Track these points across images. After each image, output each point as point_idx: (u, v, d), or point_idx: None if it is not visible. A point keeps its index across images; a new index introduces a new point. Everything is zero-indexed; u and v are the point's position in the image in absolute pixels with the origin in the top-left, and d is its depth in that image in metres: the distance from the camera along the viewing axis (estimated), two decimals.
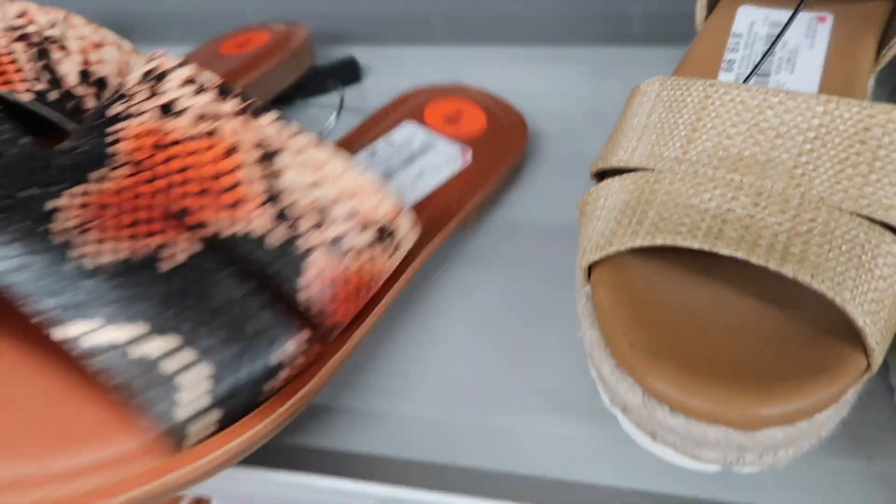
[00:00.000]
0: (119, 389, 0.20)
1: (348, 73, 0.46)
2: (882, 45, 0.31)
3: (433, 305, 0.31)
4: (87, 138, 0.24)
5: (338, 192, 0.24)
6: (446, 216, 0.31)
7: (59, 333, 0.20)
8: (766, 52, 0.29)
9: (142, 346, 0.20)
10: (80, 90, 0.31)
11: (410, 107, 0.39)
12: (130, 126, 0.23)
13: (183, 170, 0.22)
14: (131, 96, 0.25)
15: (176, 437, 0.20)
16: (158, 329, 0.20)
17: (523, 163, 0.38)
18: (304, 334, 0.23)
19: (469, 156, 0.34)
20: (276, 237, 0.22)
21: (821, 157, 0.23)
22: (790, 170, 0.23)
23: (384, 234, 0.25)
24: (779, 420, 0.20)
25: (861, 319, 0.20)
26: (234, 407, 0.21)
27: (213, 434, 0.21)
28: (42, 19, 0.31)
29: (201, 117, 0.23)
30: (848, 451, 0.24)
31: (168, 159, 0.22)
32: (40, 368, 0.23)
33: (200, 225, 0.22)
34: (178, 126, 0.23)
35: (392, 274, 0.27)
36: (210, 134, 0.23)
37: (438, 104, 0.39)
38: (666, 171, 0.25)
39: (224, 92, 0.24)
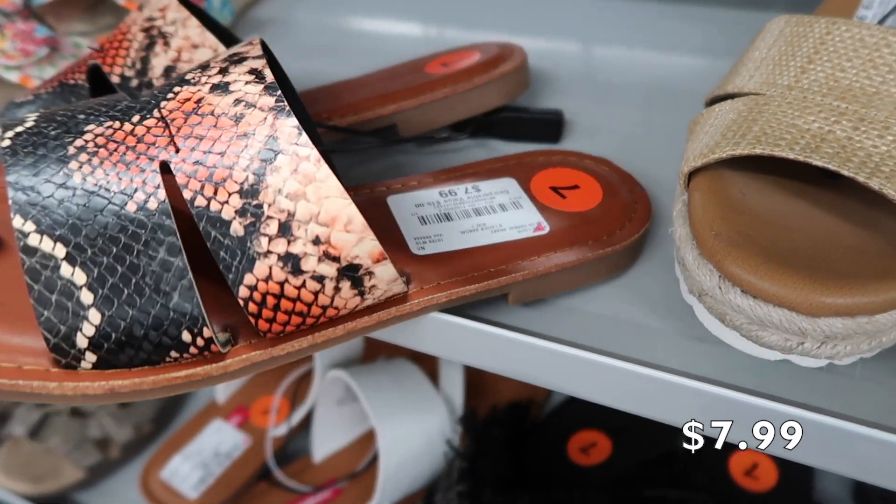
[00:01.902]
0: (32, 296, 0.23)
1: (547, 130, 0.39)
2: None
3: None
4: (151, 93, 0.27)
5: (315, 212, 0.23)
6: (481, 275, 0.28)
7: (15, 222, 0.22)
8: None
9: (61, 266, 0.22)
10: (159, 81, 0.34)
11: (525, 164, 0.35)
12: (184, 91, 0.26)
13: (196, 137, 0.24)
14: (207, 68, 0.27)
15: (58, 354, 0.23)
16: (73, 259, 0.23)
17: (637, 252, 0.32)
18: (240, 322, 0.25)
19: (546, 229, 0.30)
20: (239, 227, 0.23)
21: None
22: None
23: (352, 272, 0.24)
24: (840, 310, 0.22)
25: None
26: (117, 357, 0.23)
27: (90, 369, 0.23)
28: (171, 16, 0.35)
29: (237, 102, 0.24)
30: None
31: (193, 124, 0.24)
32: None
33: (183, 185, 0.24)
34: (216, 103, 0.25)
35: (364, 311, 0.26)
36: (235, 119, 0.24)
37: (556, 172, 0.34)
38: (776, 96, 0.27)
39: (270, 89, 0.25)
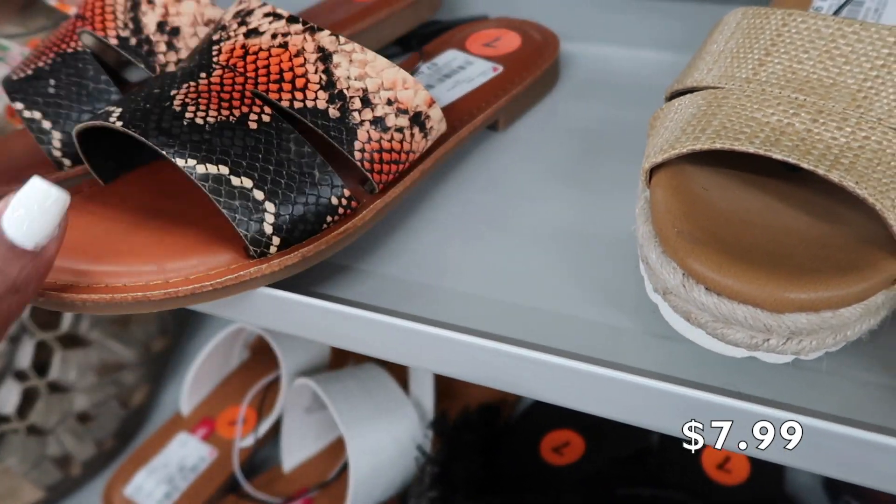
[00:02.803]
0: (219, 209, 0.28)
1: None
2: None
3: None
4: (196, 58, 0.32)
5: (380, 83, 0.31)
6: (475, 112, 0.38)
7: (179, 163, 0.27)
8: None
9: (231, 180, 0.28)
10: (156, 37, 0.37)
11: (454, 38, 0.45)
12: (226, 45, 0.31)
13: (263, 67, 0.30)
14: (226, 28, 0.32)
15: (254, 246, 0.28)
16: (239, 171, 0.28)
17: (556, 78, 0.44)
18: (357, 185, 0.31)
19: (500, 69, 0.41)
20: (334, 112, 0.30)
21: (885, 83, 0.25)
22: (853, 93, 0.25)
23: (418, 119, 0.32)
24: (804, 305, 0.22)
25: None
26: (294, 234, 0.29)
27: (276, 252, 0.29)
28: None
29: (275, 35, 0.31)
30: (877, 367, 0.26)
31: (253, 62, 0.30)
32: (163, 199, 0.32)
33: (276, 102, 0.30)
34: (260, 42, 0.31)
35: (425, 154, 0.34)
36: (282, 45, 0.31)
37: (480, 34, 0.45)
38: (735, 90, 0.27)
39: (292, 20, 0.31)
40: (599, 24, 0.47)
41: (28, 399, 0.60)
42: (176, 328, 0.70)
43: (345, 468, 0.55)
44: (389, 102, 0.31)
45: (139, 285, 0.28)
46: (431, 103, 0.32)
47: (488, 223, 0.34)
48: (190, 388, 0.60)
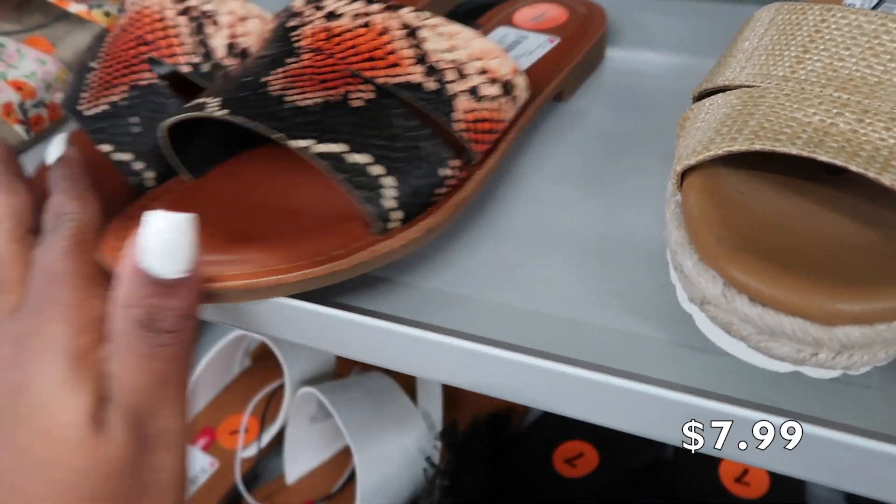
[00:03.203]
0: (340, 186, 0.27)
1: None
2: None
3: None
4: (274, 45, 0.31)
5: (469, 54, 0.31)
6: (542, 85, 0.38)
7: (292, 144, 0.27)
8: None
9: (349, 157, 0.27)
10: (227, 61, 0.35)
11: (500, 16, 0.45)
12: (306, 29, 0.31)
13: (351, 48, 0.30)
14: (300, 14, 0.32)
15: (379, 221, 0.28)
16: (356, 148, 0.27)
17: (603, 51, 0.44)
18: (457, 158, 0.31)
19: (557, 41, 0.41)
20: (430, 85, 0.30)
21: None
22: None
23: (507, 87, 0.32)
24: (858, 318, 0.21)
25: None
26: (413, 207, 0.29)
27: (399, 226, 0.29)
28: None
29: (356, 16, 0.31)
30: None
31: (339, 43, 0.30)
32: (261, 189, 0.31)
33: (372, 80, 0.29)
34: (342, 23, 0.31)
35: (510, 124, 0.34)
36: (366, 25, 0.30)
37: (524, 10, 0.45)
38: (771, 88, 0.25)
39: (369, 0, 0.31)
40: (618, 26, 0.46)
41: None
42: None
43: (350, 479, 0.53)
44: (481, 72, 0.31)
45: (272, 269, 0.27)
46: (517, 72, 0.33)
47: (510, 230, 0.33)
48: (190, 395, 0.59)
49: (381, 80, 0.29)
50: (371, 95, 0.29)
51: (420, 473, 0.49)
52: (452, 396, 0.57)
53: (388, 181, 0.28)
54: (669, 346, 0.27)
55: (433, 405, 0.53)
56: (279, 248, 0.27)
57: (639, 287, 0.29)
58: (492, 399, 0.57)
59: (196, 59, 0.35)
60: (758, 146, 0.23)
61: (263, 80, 0.29)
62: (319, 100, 0.28)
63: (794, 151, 0.23)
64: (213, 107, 0.28)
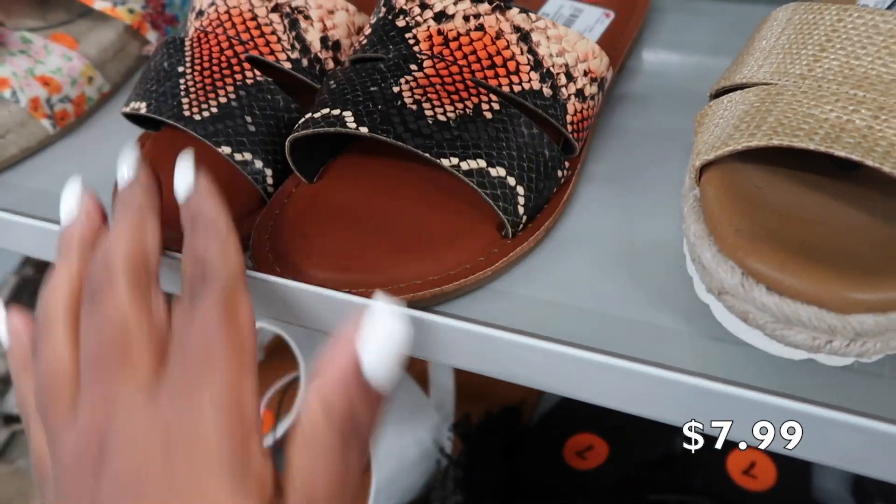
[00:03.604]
0: (484, 198, 0.29)
1: None
2: None
3: None
4: (388, 47, 0.32)
5: (576, 56, 0.32)
6: (612, 64, 0.37)
7: (444, 163, 0.29)
8: None
9: (490, 172, 0.29)
10: (323, 54, 0.36)
11: None
12: (419, 31, 0.32)
13: (471, 54, 0.31)
14: (406, 12, 0.33)
15: (513, 229, 0.30)
16: (493, 162, 0.29)
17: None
18: (567, 158, 0.33)
19: (611, 15, 0.42)
20: (547, 91, 0.31)
21: None
22: None
23: (603, 84, 0.34)
24: (873, 306, 0.21)
25: None
26: (536, 211, 0.31)
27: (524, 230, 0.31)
28: None
29: (466, 18, 0.31)
30: None
31: (458, 47, 0.31)
32: (413, 192, 0.32)
33: (496, 88, 0.31)
34: (455, 26, 0.31)
35: None
36: (479, 28, 0.31)
37: None
38: (789, 86, 0.26)
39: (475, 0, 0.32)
40: None
41: None
42: None
43: (365, 471, 0.54)
44: (585, 73, 0.33)
45: (430, 282, 0.29)
46: (609, 66, 0.34)
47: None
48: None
49: (505, 89, 0.31)
50: (497, 106, 0.30)
51: (433, 465, 0.50)
52: (464, 390, 0.58)
53: (520, 190, 0.30)
54: (688, 336, 0.27)
55: (446, 397, 0.54)
56: (431, 260, 0.29)
57: (657, 279, 0.30)
58: (504, 393, 0.58)
59: (295, 55, 0.35)
60: (776, 142, 0.24)
61: (395, 90, 0.30)
62: (454, 114, 0.30)
63: (811, 147, 0.23)
64: (350, 121, 0.29)
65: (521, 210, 0.30)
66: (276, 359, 0.63)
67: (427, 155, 0.29)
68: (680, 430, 0.54)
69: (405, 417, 0.49)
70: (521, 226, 0.31)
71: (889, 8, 0.29)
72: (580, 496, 0.46)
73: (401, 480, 0.48)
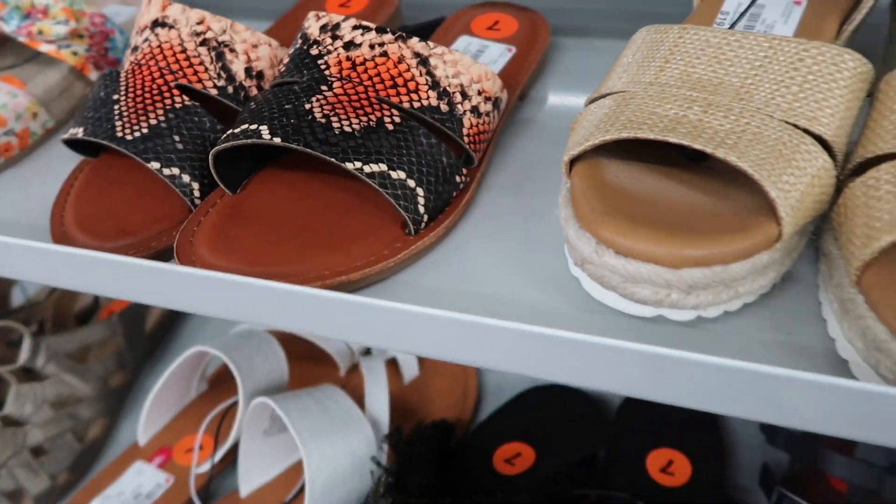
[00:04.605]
0: (386, 198, 0.33)
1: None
2: (843, 23, 0.36)
3: None
4: (303, 72, 0.36)
5: (470, 78, 0.37)
6: (511, 91, 0.43)
7: (349, 166, 0.32)
8: (747, 8, 0.35)
9: (391, 174, 0.33)
10: (247, 82, 0.41)
11: (459, 25, 0.50)
12: (330, 58, 0.36)
13: (376, 76, 0.35)
14: (319, 42, 0.37)
15: (415, 227, 0.34)
16: (394, 166, 0.33)
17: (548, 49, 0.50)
18: (465, 166, 0.37)
19: (513, 50, 0.47)
20: (444, 107, 0.36)
21: (763, 80, 0.29)
22: (737, 89, 0.29)
23: (497, 102, 0.38)
24: (698, 261, 0.25)
25: (773, 192, 0.26)
26: (436, 211, 0.35)
27: (426, 227, 0.34)
28: (216, 26, 0.40)
29: (372, 46, 0.36)
30: (770, 326, 0.29)
31: (364, 71, 0.35)
32: (327, 198, 0.36)
33: (397, 104, 0.35)
34: (362, 52, 0.36)
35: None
36: (383, 54, 0.35)
37: (478, 19, 0.51)
38: (639, 92, 0.31)
39: (381, 30, 0.36)
40: None
41: None
42: (134, 364, 0.71)
43: (302, 490, 0.55)
44: (479, 93, 0.37)
45: (337, 272, 0.32)
46: (503, 88, 0.39)
47: None
48: (147, 416, 0.61)
49: (405, 105, 0.35)
50: (398, 119, 0.34)
51: (368, 476, 0.51)
52: (398, 408, 0.60)
53: (420, 191, 0.34)
54: (566, 311, 0.31)
55: (381, 413, 0.56)
56: (340, 254, 0.33)
57: (543, 268, 0.33)
58: (436, 411, 0.61)
59: (221, 83, 0.40)
60: (624, 134, 0.28)
61: (306, 107, 0.34)
62: (359, 125, 0.33)
63: (652, 136, 0.28)
64: (266, 133, 0.33)
65: (421, 209, 0.34)
66: (217, 390, 0.65)
67: (333, 160, 0.32)
68: (602, 435, 0.57)
69: (341, 430, 0.51)
70: (423, 224, 0.34)
71: (732, 26, 0.35)
72: (503, 493, 0.48)
73: (336, 488, 0.50)
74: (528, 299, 0.32)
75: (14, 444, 0.60)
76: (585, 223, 0.28)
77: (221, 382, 0.66)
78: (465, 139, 0.36)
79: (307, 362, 0.66)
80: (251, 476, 0.57)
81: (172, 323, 0.78)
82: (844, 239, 0.26)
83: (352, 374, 0.66)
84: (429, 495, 0.49)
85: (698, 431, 0.55)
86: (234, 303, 0.32)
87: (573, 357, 0.28)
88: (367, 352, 0.67)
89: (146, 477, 0.58)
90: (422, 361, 0.67)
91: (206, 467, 0.58)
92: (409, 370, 0.66)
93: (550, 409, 0.59)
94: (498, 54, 0.47)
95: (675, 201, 0.28)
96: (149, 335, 0.74)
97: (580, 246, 0.28)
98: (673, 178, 0.30)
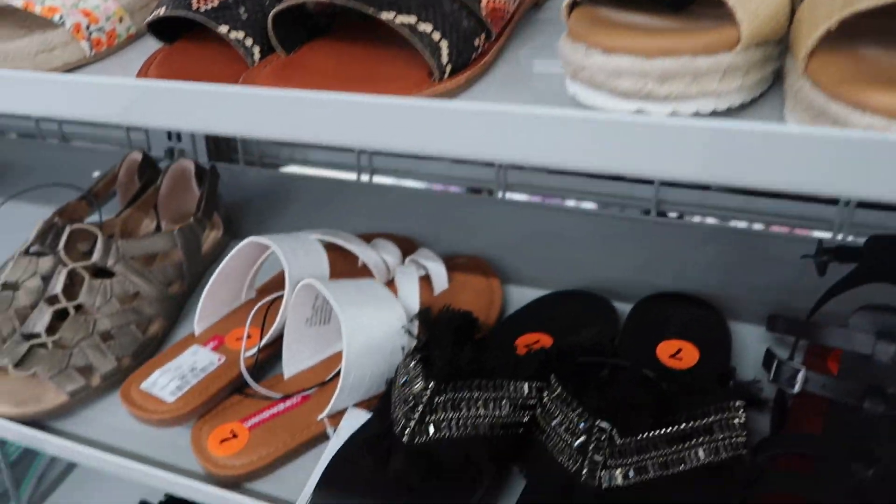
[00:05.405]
0: (415, 45, 0.38)
1: None
2: None
3: None
4: None
5: None
6: None
7: (383, 16, 0.38)
8: None
9: (419, 26, 0.38)
10: None
11: None
12: None
13: None
14: None
15: (439, 74, 0.39)
16: (422, 19, 0.39)
17: None
18: (483, 34, 0.42)
19: None
20: None
21: None
22: None
23: None
24: (668, 50, 0.30)
25: (731, 1, 0.30)
26: (457, 65, 0.40)
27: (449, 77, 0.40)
28: None
29: None
30: None
31: None
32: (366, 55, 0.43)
33: None
34: None
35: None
36: None
37: None
38: None
39: None
40: None
41: (57, 319, 0.67)
42: (191, 278, 0.78)
43: (338, 375, 0.61)
44: None
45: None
46: None
47: None
48: (202, 309, 0.67)
49: None
50: None
51: (399, 351, 0.57)
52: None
53: (444, 44, 0.39)
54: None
55: (412, 307, 0.61)
56: (375, 90, 0.37)
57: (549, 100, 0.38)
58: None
59: None
60: None
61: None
62: None
63: None
64: None
65: (444, 59, 0.39)
66: (264, 296, 0.71)
67: (370, 10, 0.38)
68: (615, 332, 0.61)
69: (374, 305, 0.57)
70: (446, 74, 0.40)
71: None
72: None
73: (370, 356, 0.55)
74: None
75: (86, 328, 0.67)
76: (577, 36, 0.33)
77: (269, 292, 0.72)
78: (483, 11, 0.42)
79: (346, 276, 0.72)
80: (293, 361, 0.63)
81: (223, 250, 0.85)
82: (794, 42, 0.31)
83: (388, 286, 0.71)
84: (453, 369, 0.54)
85: (707, 327, 0.59)
86: (299, 120, 0.38)
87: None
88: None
89: (200, 357, 0.64)
90: (451, 277, 0.72)
91: (253, 352, 0.64)
92: (440, 284, 0.71)
93: (569, 307, 0.63)
94: None
95: (655, 20, 0.33)
96: (204, 255, 0.81)
97: (574, 56, 0.33)
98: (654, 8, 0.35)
